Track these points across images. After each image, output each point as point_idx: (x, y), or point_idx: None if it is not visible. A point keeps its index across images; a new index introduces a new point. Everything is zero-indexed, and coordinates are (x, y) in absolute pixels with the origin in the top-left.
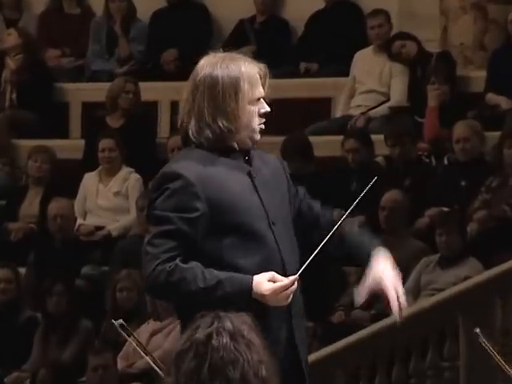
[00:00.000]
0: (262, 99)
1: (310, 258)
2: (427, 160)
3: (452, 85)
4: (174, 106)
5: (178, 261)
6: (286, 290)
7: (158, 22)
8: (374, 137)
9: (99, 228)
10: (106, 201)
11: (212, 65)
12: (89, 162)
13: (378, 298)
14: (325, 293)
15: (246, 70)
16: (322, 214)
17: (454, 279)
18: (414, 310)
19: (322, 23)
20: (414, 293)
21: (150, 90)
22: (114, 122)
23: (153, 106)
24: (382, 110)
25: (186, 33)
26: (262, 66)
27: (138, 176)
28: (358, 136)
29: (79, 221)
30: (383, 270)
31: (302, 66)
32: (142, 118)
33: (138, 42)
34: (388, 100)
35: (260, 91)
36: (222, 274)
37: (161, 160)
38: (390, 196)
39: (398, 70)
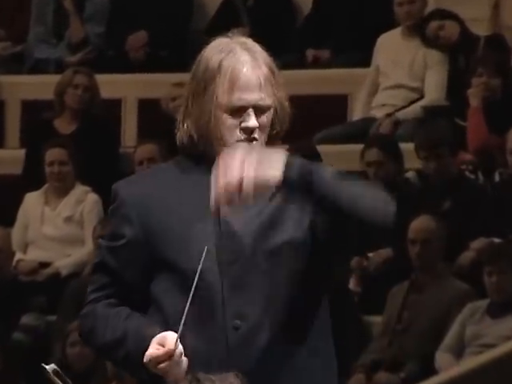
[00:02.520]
0: (250, 109)
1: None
2: (472, 176)
3: (504, 78)
4: (143, 105)
5: (100, 304)
6: (164, 359)
7: None
8: (402, 146)
9: (44, 265)
10: (54, 229)
11: (209, 49)
12: (31, 178)
13: (410, 357)
14: (340, 349)
15: (231, 66)
16: None
17: (509, 332)
18: (458, 372)
19: None
20: (456, 349)
21: (111, 85)
22: (63, 126)
23: (115, 105)
24: (414, 110)
25: (159, 10)
26: (272, 66)
27: (95, 197)
28: (383, 145)
29: (18, 255)
30: None
31: (310, 53)
32: (100, 120)
33: (96, 21)
34: (421, 98)
35: (245, 99)
36: (135, 325)
37: (125, 175)
38: (421, 224)
39: (434, 58)
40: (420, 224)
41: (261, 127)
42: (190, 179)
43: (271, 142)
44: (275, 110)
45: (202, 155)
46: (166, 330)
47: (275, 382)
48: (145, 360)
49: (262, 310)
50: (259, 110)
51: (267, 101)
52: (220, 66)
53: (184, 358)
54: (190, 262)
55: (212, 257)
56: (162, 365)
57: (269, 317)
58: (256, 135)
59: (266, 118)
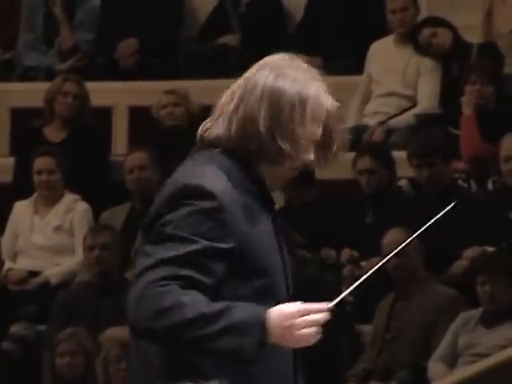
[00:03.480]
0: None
1: (350, 289)
2: (465, 184)
3: (498, 85)
4: (134, 112)
5: (180, 288)
6: (315, 320)
7: (113, 3)
8: (395, 154)
9: (34, 274)
10: (44, 238)
11: (277, 68)
12: (21, 186)
13: (401, 365)
14: (332, 359)
15: (318, 97)
16: None
17: (502, 341)
18: (451, 382)
19: (327, 5)
20: (449, 359)
21: (101, 92)
22: (53, 134)
23: (106, 112)
24: (407, 118)
25: (149, 17)
26: (336, 105)
27: (85, 205)
28: (375, 153)
29: (7, 264)
30: None
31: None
32: (90, 128)
33: (86, 28)
34: (414, 105)
35: (318, 132)
36: (229, 303)
37: (116, 184)
38: (393, 238)
39: (427, 66)
40: (392, 238)
41: None
42: (256, 193)
43: None
44: None
45: (257, 174)
46: None
47: None
48: (294, 309)
49: None
50: None
51: None
52: (307, 97)
53: None
54: (272, 274)
55: (280, 273)
56: (318, 321)
57: None
58: None
59: None
